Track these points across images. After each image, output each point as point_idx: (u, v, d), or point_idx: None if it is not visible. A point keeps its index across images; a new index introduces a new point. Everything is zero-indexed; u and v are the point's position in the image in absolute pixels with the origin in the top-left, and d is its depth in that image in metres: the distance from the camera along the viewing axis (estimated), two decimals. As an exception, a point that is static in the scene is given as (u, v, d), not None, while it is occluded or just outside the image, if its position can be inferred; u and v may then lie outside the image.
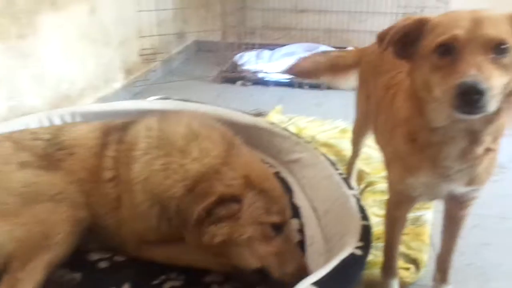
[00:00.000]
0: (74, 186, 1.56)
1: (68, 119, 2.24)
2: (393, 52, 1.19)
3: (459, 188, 1.26)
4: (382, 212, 1.64)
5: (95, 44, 3.07)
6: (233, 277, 1.52)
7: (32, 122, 2.11)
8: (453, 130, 1.13)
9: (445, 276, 1.55)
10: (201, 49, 4.89)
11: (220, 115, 2.24)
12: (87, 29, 2.95)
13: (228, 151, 1.55)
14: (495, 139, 1.17)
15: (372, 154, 2.39)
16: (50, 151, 1.63)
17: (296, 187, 2.02)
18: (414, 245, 1.77)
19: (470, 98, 0.95)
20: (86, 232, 1.53)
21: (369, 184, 2.24)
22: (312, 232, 1.75)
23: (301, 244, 1.68)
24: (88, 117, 2.22)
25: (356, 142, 2.14)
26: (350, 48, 4.31)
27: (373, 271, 1.62)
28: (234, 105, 2.98)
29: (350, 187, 1.74)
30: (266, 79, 3.87)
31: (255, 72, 3.93)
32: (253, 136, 2.26)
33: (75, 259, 1.50)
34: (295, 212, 1.83)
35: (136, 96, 3.49)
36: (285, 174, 2.12)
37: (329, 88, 3.66)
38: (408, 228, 1.84)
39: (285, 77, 3.85)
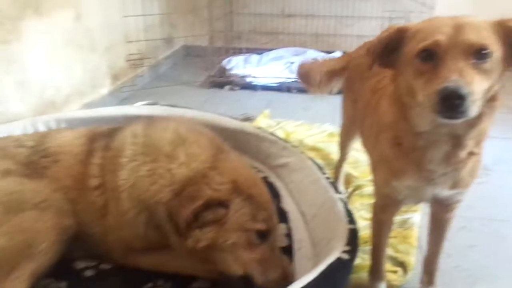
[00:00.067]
0: (59, 194, 1.54)
1: (53, 125, 2.21)
2: (377, 64, 1.21)
3: (443, 192, 1.27)
4: (370, 215, 1.64)
5: (81, 50, 3.04)
6: (220, 284, 1.51)
7: (16, 129, 2.09)
8: (437, 134, 1.14)
9: (432, 279, 1.57)
10: (189, 54, 4.88)
11: (207, 120, 2.25)
12: (73, 35, 2.93)
13: (216, 156, 1.55)
14: (478, 143, 1.19)
15: (359, 157, 2.40)
16: (34, 158, 1.61)
17: (284, 192, 2.02)
18: (401, 248, 1.79)
19: (452, 103, 0.96)
20: (71, 240, 1.51)
21: (357, 187, 2.26)
22: (300, 236, 1.75)
23: (289, 249, 1.68)
24: (73, 123, 2.20)
25: (343, 146, 2.15)
26: (337, 52, 4.39)
27: (361, 274, 1.63)
28: (222, 110, 2.98)
29: (337, 191, 1.74)
30: (254, 83, 3.88)
31: (243, 77, 3.94)
32: (241, 141, 2.26)
33: (61, 267, 1.48)
34: (283, 216, 1.83)
35: (123, 101, 3.47)
36: (273, 179, 2.12)
37: (316, 92, 3.68)
38: (395, 231, 1.86)
39: (273, 81, 3.87)
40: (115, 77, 3.52)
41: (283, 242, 1.69)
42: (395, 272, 1.67)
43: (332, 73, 2.04)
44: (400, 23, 2.08)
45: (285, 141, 2.25)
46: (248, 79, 3.91)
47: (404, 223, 1.93)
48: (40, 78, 2.64)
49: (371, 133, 1.47)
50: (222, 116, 2.41)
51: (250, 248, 1.42)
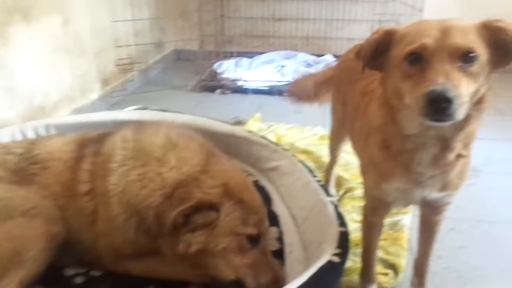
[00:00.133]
0: (48, 200, 1.52)
1: (42, 131, 2.19)
2: (365, 65, 1.21)
3: (432, 194, 1.28)
4: (360, 218, 1.65)
5: (70, 55, 3.03)
6: (212, 289, 1.50)
7: (4, 136, 2.07)
8: (425, 137, 1.15)
9: (422, 280, 1.57)
10: (180, 58, 4.88)
11: (198, 124, 2.25)
12: (61, 40, 2.91)
13: (207, 160, 1.54)
14: (466, 145, 1.20)
15: (350, 160, 2.41)
16: (23, 165, 1.60)
17: (275, 195, 2.02)
18: (392, 250, 1.79)
19: (439, 106, 0.96)
20: (61, 247, 1.50)
21: (348, 190, 2.26)
22: (291, 240, 1.75)
23: (280, 253, 1.68)
24: (63, 129, 2.18)
25: (333, 149, 2.15)
26: (328, 55, 4.42)
27: (352, 277, 1.63)
28: (213, 114, 2.98)
29: (328, 194, 1.75)
30: (245, 87, 3.88)
31: (234, 80, 3.95)
32: (232, 145, 2.26)
33: (50, 275, 1.47)
34: (274, 220, 1.83)
35: (113, 106, 3.45)
36: (264, 182, 2.12)
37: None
38: (386, 233, 1.86)
39: (264, 85, 3.88)
40: (104, 82, 3.51)
41: (274, 246, 1.69)
42: (386, 274, 1.67)
43: (324, 83, 2.06)
44: (390, 26, 2.10)
45: (276, 144, 2.25)
46: (239, 83, 3.92)
47: (394, 225, 1.94)
48: (29, 84, 2.62)
49: (360, 136, 1.47)
50: (212, 120, 2.40)
51: (241, 253, 1.41)
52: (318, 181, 1.85)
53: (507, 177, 2.45)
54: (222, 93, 3.86)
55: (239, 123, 3.02)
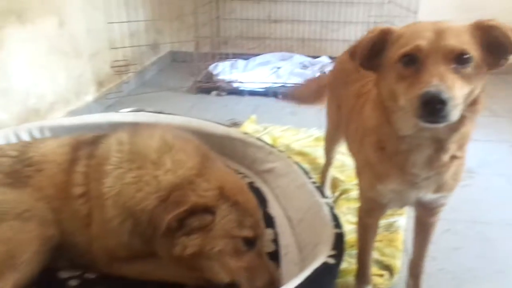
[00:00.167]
0: (42, 203, 1.52)
1: (37, 134, 2.18)
2: (360, 64, 1.20)
3: (427, 195, 1.28)
4: (356, 219, 1.65)
5: (65, 57, 3.02)
6: (207, 291, 1.50)
7: (-2, 138, 2.06)
8: (419, 138, 1.15)
9: (417, 282, 1.57)
10: (175, 59, 4.87)
11: (193, 126, 2.24)
12: (56, 42, 2.90)
13: (203, 163, 1.54)
14: (461, 146, 1.20)
15: (346, 161, 2.42)
16: (17, 167, 1.59)
17: (271, 197, 2.02)
18: (387, 252, 1.79)
19: (433, 107, 0.97)
20: (55, 250, 1.49)
21: (344, 191, 2.26)
22: (287, 241, 1.75)
23: (276, 254, 1.67)
24: (57, 131, 2.17)
25: (328, 151, 2.16)
26: (324, 57, 4.43)
27: (347, 279, 1.63)
28: (209, 116, 2.98)
29: (323, 196, 1.75)
30: (241, 88, 3.88)
31: (230, 82, 3.94)
32: (227, 147, 2.26)
33: (44, 277, 1.46)
34: (270, 222, 1.82)
35: (108, 108, 3.44)
36: (259, 184, 2.12)
37: (303, 97, 3.71)
38: (381, 235, 1.87)
39: (260, 87, 3.88)
40: (100, 84, 3.50)
41: (270, 248, 1.69)
42: (381, 275, 1.68)
43: (324, 86, 2.07)
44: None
45: (272, 146, 2.25)
46: (234, 85, 3.92)
47: (389, 227, 1.94)
48: (23, 86, 2.61)
49: (355, 137, 1.47)
50: (208, 121, 2.40)
51: (237, 255, 1.41)
52: (314, 182, 1.85)
53: (502, 178, 2.46)
54: (218, 94, 3.86)
55: (234, 124, 3.02)
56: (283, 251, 1.70)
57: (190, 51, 4.19)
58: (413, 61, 1.04)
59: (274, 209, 1.94)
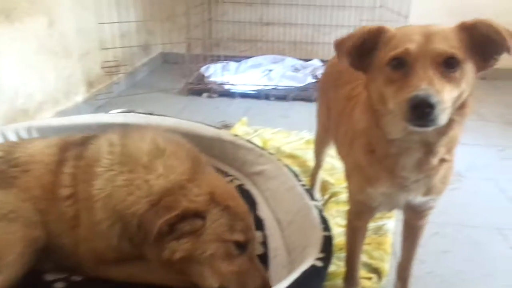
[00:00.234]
0: (28, 204, 1.50)
1: (24, 134, 2.15)
2: (349, 62, 1.19)
3: (416, 198, 1.28)
4: (345, 222, 1.65)
5: (54, 57, 2.99)
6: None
7: (-15, 138, 2.03)
8: (409, 141, 1.15)
9: (405, 285, 1.58)
10: (167, 61, 4.86)
11: (183, 128, 2.23)
12: (46, 41, 2.87)
13: (194, 168, 1.53)
14: (450, 150, 1.21)
15: (335, 164, 2.42)
16: (3, 168, 1.57)
17: (260, 199, 2.01)
18: (376, 255, 1.79)
19: (422, 111, 0.97)
20: (41, 252, 1.47)
21: (333, 194, 2.26)
22: (276, 244, 1.74)
23: (265, 257, 1.67)
24: (45, 132, 2.15)
25: (318, 154, 2.16)
26: (315, 60, 4.43)
27: (336, 281, 1.63)
28: (200, 117, 2.96)
29: (312, 198, 1.74)
30: (233, 91, 3.88)
31: (221, 84, 3.93)
32: (217, 149, 2.25)
33: (30, 280, 1.44)
34: (259, 224, 1.82)
35: (98, 109, 3.42)
36: (249, 186, 2.11)
37: (295, 99, 3.72)
38: (370, 238, 1.87)
39: (251, 89, 3.88)
40: (90, 84, 3.47)
41: (259, 250, 1.68)
42: (369, 278, 1.68)
43: None
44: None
45: (262, 148, 2.24)
46: (226, 87, 3.91)
47: (378, 230, 1.94)
48: (12, 85, 2.58)
49: (345, 140, 1.47)
50: (199, 123, 2.39)
51: (228, 260, 1.40)
52: (303, 185, 1.85)
53: (490, 182, 2.48)
54: (209, 96, 3.85)
55: (225, 126, 3.01)
56: (272, 254, 1.69)
57: (181, 53, 4.17)
58: (402, 64, 1.04)
59: (264, 211, 1.93)
